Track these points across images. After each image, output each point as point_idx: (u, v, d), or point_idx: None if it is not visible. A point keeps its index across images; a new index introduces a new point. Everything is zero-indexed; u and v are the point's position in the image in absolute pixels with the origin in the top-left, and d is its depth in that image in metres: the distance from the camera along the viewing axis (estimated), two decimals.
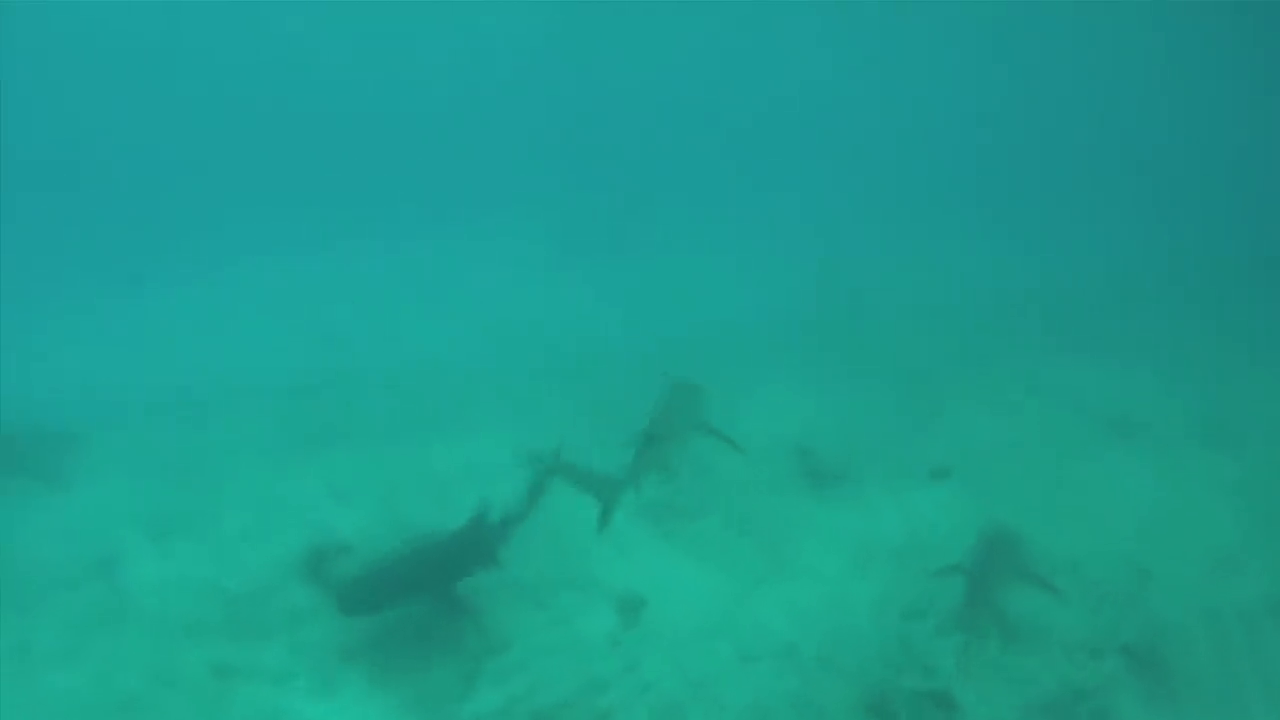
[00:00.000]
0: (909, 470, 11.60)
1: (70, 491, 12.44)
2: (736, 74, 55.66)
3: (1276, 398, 13.80)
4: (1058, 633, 8.40)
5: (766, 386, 14.94)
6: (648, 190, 40.20)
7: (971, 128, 51.97)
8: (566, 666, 8.28)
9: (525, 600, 9.10)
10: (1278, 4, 36.12)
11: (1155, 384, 14.44)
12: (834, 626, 8.65)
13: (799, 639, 8.51)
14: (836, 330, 18.45)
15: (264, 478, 12.37)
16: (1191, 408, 13.39)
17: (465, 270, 26.78)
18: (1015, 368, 15.50)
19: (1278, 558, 9.33)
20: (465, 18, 46.02)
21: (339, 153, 46.91)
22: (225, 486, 12.24)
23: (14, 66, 43.31)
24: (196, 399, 16.13)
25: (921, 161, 44.95)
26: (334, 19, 45.40)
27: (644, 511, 10.63)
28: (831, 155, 47.31)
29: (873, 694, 7.93)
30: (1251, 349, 16.21)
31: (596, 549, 9.65)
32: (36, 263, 25.82)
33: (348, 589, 8.30)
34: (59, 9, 43.01)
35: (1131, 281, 21.92)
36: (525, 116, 56.38)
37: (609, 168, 45.12)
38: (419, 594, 8.46)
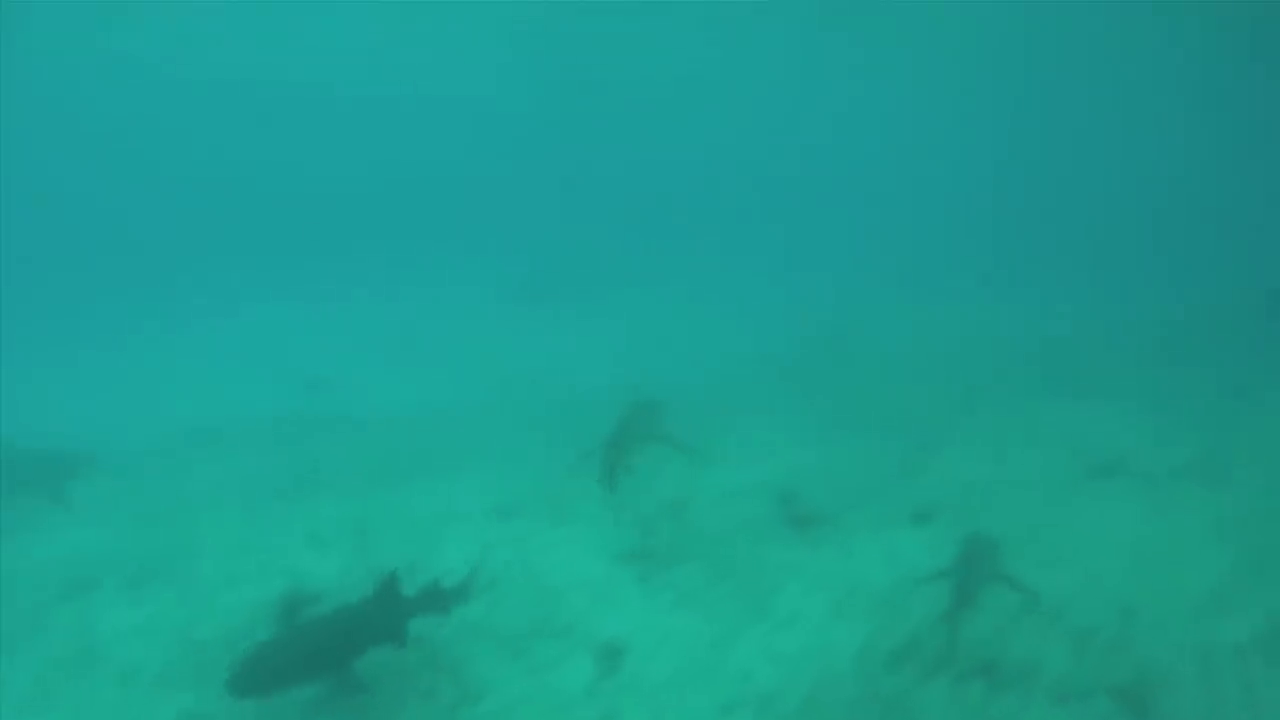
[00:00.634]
0: (893, 513, 11.44)
1: (53, 531, 12.45)
2: (721, 116, 56.25)
3: (1264, 435, 13.72)
4: (1045, 675, 8.20)
5: (748, 430, 14.90)
6: (629, 232, 40.59)
7: (962, 175, 52.56)
8: (543, 717, 8.06)
9: (502, 648, 8.89)
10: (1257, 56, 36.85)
11: (1143, 424, 14.37)
12: (816, 674, 8.45)
13: (780, 687, 8.30)
14: (819, 374, 18.53)
15: (241, 522, 12.29)
16: (1180, 446, 13.30)
17: (446, 315, 26.97)
18: (1002, 411, 15.49)
19: (1267, 596, 9.17)
20: (443, 64, 46.54)
21: (319, 204, 47.29)
22: (203, 530, 12.18)
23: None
24: (183, 439, 16.37)
25: (910, 205, 45.31)
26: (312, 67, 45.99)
27: (622, 557, 10.49)
28: (817, 198, 47.69)
29: None
30: (1238, 388, 16.18)
31: (574, 596, 9.48)
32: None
33: (240, 670, 7.46)
34: None
35: (1118, 324, 21.97)
36: (503, 164, 56.81)
37: (587, 209, 45.45)
38: (316, 673, 7.75)
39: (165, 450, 15.78)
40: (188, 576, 10.95)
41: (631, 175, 55.29)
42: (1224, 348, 19.13)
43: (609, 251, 36.07)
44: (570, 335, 23.80)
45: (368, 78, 48.30)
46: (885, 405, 16.11)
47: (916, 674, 8.31)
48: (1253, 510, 11.09)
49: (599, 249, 36.13)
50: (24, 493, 13.08)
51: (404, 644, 8.21)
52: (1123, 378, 17.22)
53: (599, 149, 57.47)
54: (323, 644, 7.79)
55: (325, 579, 10.43)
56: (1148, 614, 8.99)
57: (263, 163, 54.28)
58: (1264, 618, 8.80)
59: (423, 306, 28.51)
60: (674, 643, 8.96)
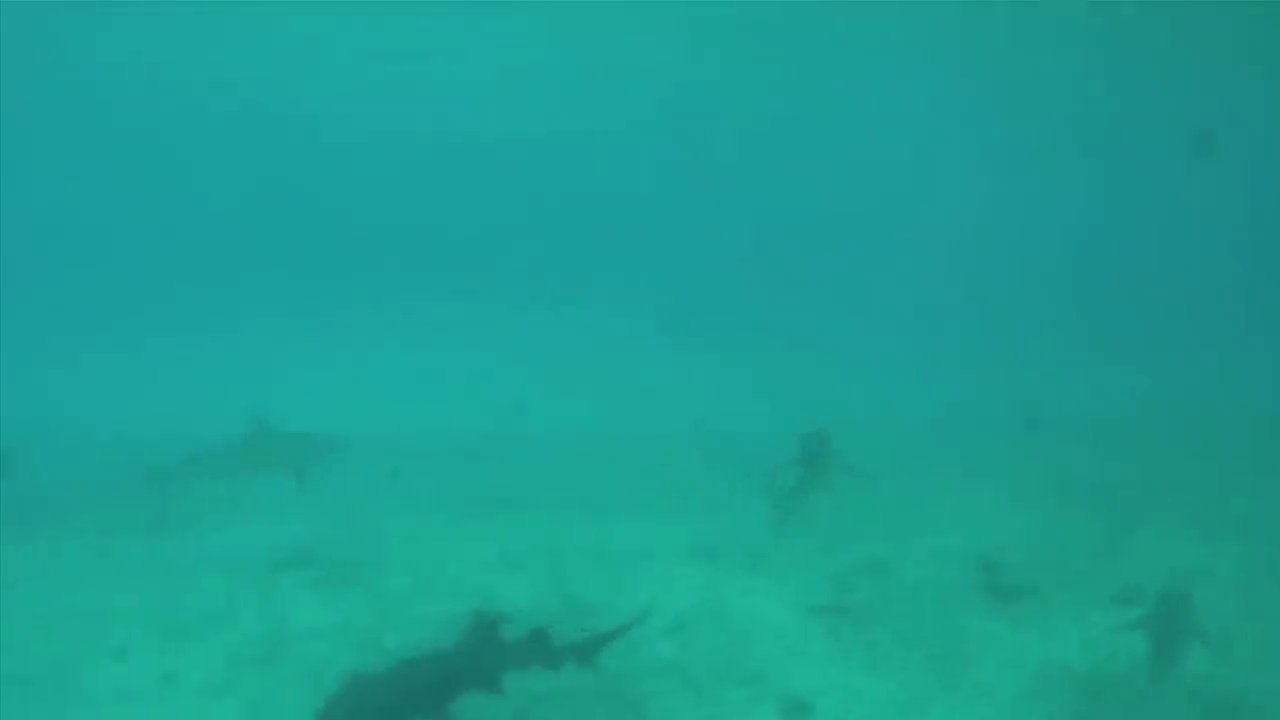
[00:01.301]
0: (1095, 592, 11.01)
1: (257, 520, 13.46)
2: (904, 168, 55.56)
3: None
4: None
5: (949, 492, 14.74)
6: (801, 273, 40.44)
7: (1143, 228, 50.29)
8: None
9: (687, 690, 8.96)
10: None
11: None
12: None
13: None
14: (1016, 440, 18.06)
15: (437, 534, 12.90)
16: None
17: (619, 347, 27.61)
18: (1210, 491, 14.65)
19: None
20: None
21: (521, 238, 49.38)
22: (398, 538, 12.82)
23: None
24: (392, 444, 17.24)
25: (1101, 270, 43.42)
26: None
27: (816, 611, 10.50)
28: (1003, 255, 46.23)
29: None
30: None
31: (764, 645, 9.48)
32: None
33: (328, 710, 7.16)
34: None
35: None
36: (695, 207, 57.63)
37: (756, 247, 45.55)
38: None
39: (376, 455, 16.35)
40: (380, 582, 11.52)
41: (808, 213, 55.08)
42: None
43: (780, 293, 36.08)
44: (746, 378, 23.98)
45: (551, 114, 50.51)
46: (1086, 474, 15.63)
47: None
48: None
49: (768, 289, 36.25)
50: (265, 472, 13.82)
51: (593, 671, 8.31)
52: None
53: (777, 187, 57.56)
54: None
55: (516, 600, 10.70)
56: None
57: (462, 205, 57.44)
58: None
59: (598, 337, 29.29)
60: (862, 704, 8.83)
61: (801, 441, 10.84)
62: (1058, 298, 35.99)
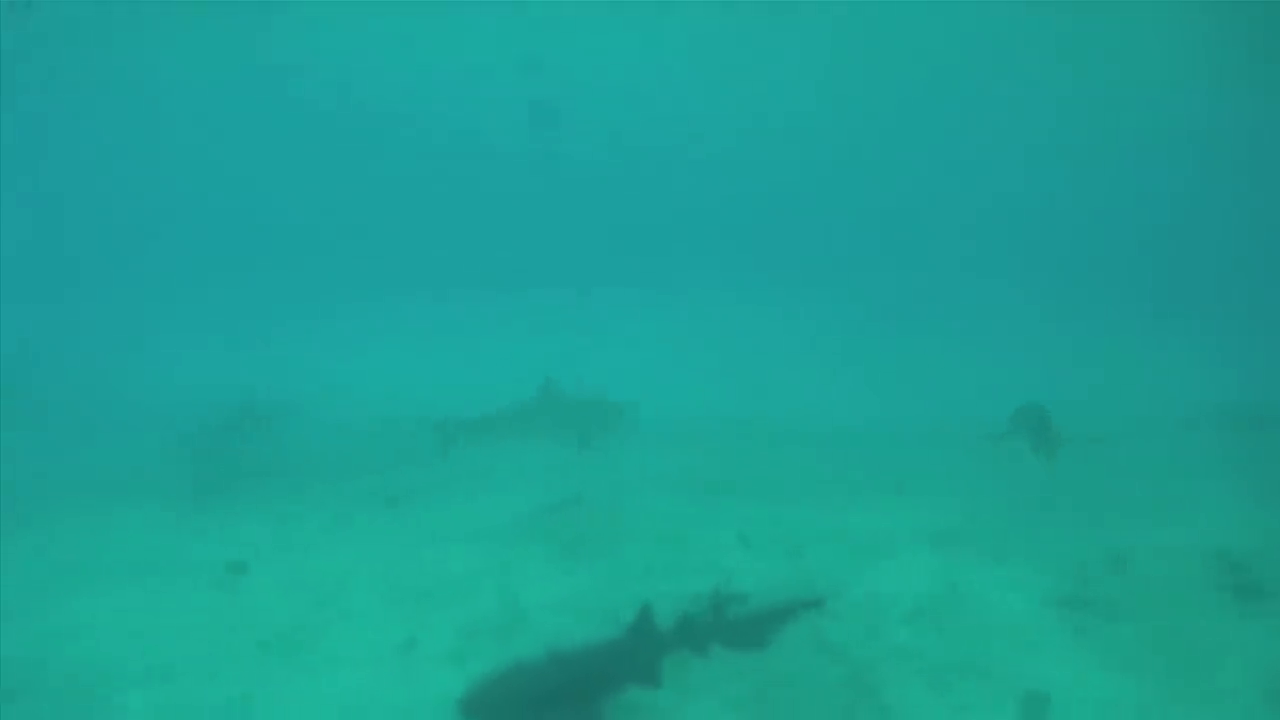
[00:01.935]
0: None
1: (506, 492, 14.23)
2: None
3: None
4: None
5: (1192, 486, 14.24)
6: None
7: None
8: None
9: (922, 679, 8.97)
10: None
11: None
12: None
13: None
14: (1251, 438, 17.00)
15: (674, 512, 13.23)
16: None
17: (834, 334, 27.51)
18: None
19: None
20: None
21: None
22: (637, 513, 13.24)
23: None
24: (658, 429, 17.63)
25: None
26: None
27: (1058, 604, 10.31)
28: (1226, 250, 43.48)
29: None
30: None
31: (1004, 637, 9.45)
32: None
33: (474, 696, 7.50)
34: None
35: None
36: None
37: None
38: (559, 709, 7.53)
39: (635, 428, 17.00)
40: (618, 556, 11.88)
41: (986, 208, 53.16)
42: None
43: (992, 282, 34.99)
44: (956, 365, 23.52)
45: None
46: None
47: None
48: None
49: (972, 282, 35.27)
50: (552, 435, 14.81)
51: (827, 655, 8.54)
52: None
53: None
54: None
55: (754, 580, 10.83)
56: None
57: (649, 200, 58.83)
58: None
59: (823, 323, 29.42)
60: (1100, 703, 8.62)
61: (1016, 413, 12.07)
62: None
